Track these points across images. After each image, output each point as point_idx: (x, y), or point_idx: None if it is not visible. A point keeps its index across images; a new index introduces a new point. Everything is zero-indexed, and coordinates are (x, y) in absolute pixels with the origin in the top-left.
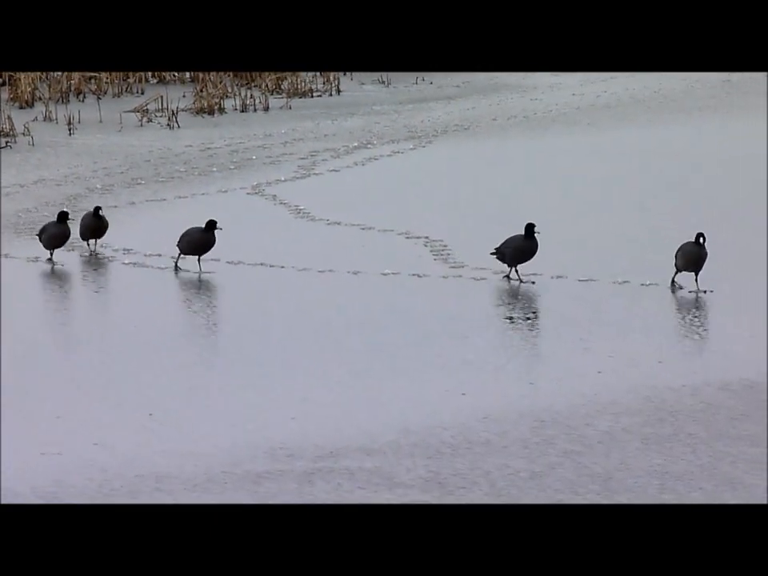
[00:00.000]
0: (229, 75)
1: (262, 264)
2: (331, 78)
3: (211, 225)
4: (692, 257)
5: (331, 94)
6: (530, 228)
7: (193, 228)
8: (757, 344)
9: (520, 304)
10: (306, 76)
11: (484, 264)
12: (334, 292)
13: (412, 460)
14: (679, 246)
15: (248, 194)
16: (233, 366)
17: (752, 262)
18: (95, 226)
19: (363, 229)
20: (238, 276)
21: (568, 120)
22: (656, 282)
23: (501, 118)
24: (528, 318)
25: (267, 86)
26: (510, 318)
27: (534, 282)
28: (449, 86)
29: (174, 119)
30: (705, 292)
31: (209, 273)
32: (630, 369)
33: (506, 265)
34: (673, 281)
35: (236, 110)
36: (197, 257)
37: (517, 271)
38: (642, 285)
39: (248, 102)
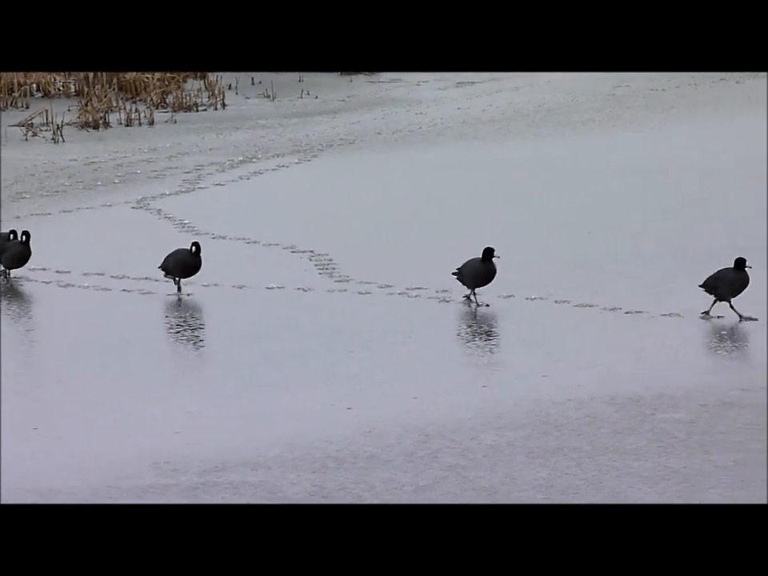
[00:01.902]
0: (114, 89)
1: (146, 278)
2: (216, 91)
3: (197, 246)
4: (737, 284)
5: (216, 108)
6: (487, 253)
7: (180, 249)
8: (641, 357)
9: (405, 318)
10: (191, 90)
11: (369, 278)
12: (219, 306)
13: (297, 474)
14: (716, 272)
15: (133, 208)
16: (118, 380)
17: (635, 270)
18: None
19: (248, 243)
20: (122, 290)
21: (453, 134)
22: (541, 296)
23: (386, 132)
24: (413, 332)
25: (152, 100)
26: (395, 332)
27: (488, 305)
28: (333, 99)
29: (59, 133)
30: (751, 319)
31: (93, 287)
32: (514, 382)
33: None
34: (709, 311)
35: (121, 124)
36: (181, 278)
37: (474, 294)
38: (527, 299)
39: (133, 116)
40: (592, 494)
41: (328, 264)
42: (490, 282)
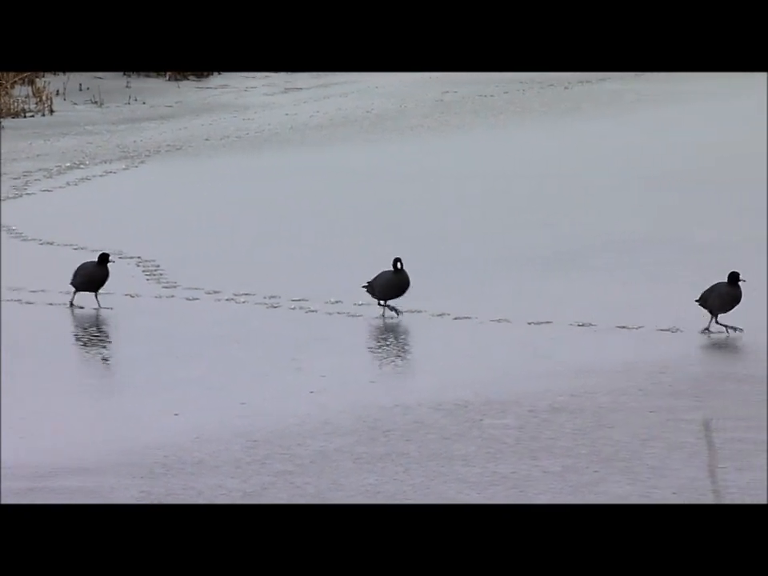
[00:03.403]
0: None
1: None
2: (44, 97)
3: (104, 258)
4: (728, 298)
5: (44, 114)
6: (396, 263)
7: (86, 263)
8: (469, 363)
9: (233, 324)
10: (19, 95)
11: (196, 284)
12: (46, 312)
13: (124, 480)
14: (711, 286)
15: None
16: None
17: (463, 276)
18: None
19: (76, 249)
20: None
21: (281, 140)
22: (368, 302)
23: (213, 138)
24: (241, 338)
25: None
26: (223, 338)
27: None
28: (161, 105)
29: None
30: (735, 330)
31: None
32: (342, 388)
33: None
34: (709, 327)
35: None
36: (93, 292)
37: (386, 306)
38: (355, 304)
39: None
40: (420, 499)
41: (156, 270)
42: (403, 293)
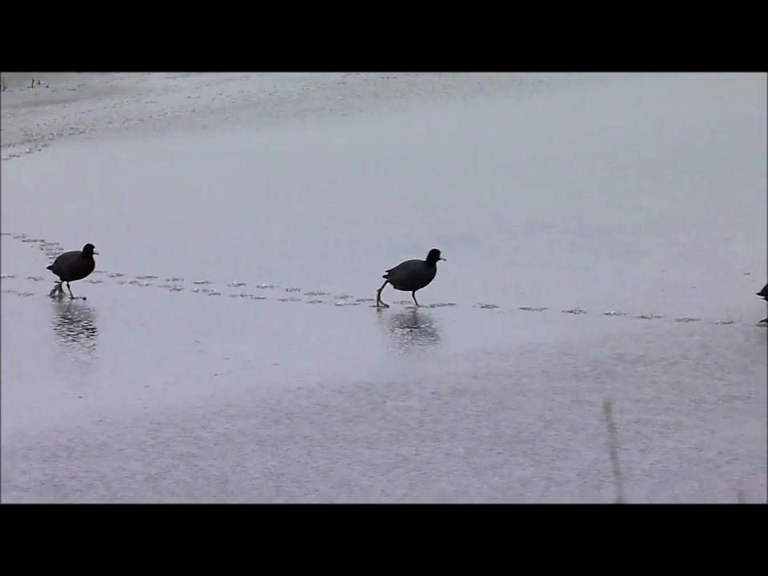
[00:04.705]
0: None
1: None
2: None
3: (89, 249)
4: None
5: None
6: (434, 255)
7: (70, 252)
8: (372, 346)
9: (136, 307)
10: None
11: (99, 267)
12: None
13: (27, 463)
14: None
15: None
16: None
17: (363, 259)
18: None
19: None
20: None
21: (183, 123)
22: (272, 285)
23: (116, 121)
24: (144, 321)
25: None
26: (126, 321)
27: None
28: (64, 89)
29: None
30: None
31: None
32: (245, 371)
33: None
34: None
35: None
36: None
37: (414, 296)
38: (258, 287)
39: None
40: (323, 481)
41: (59, 253)
42: (427, 284)
